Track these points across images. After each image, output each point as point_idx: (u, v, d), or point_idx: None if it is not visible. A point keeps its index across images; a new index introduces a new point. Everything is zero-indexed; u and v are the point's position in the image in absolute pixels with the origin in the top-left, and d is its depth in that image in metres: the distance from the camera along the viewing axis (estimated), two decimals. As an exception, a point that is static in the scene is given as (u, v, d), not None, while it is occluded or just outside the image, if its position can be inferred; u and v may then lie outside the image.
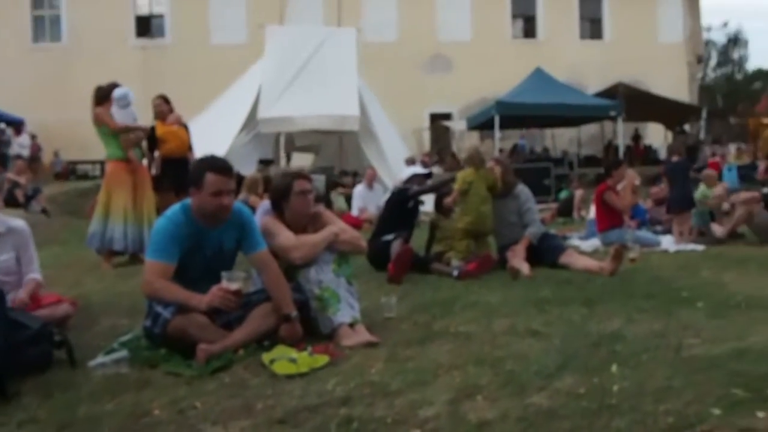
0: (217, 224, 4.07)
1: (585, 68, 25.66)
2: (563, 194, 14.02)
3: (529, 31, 27.82)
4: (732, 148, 22.20)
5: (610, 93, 20.18)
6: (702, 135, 23.65)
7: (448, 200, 7.04)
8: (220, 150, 12.96)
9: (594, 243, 8.46)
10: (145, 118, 8.71)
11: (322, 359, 3.68)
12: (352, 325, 4.17)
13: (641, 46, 26.86)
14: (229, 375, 3.60)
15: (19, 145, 20.88)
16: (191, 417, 3.07)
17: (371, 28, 23.93)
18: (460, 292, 5.57)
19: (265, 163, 14.24)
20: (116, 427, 2.99)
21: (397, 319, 4.71)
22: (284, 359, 3.65)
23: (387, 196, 8.38)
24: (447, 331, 4.35)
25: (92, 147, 9.96)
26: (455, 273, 6.26)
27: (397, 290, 5.73)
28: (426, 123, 25.61)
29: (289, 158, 17.96)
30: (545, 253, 6.80)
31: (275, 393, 3.30)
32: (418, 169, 7.66)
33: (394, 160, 14.07)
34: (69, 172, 23.44)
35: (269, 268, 4.12)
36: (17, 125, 21.87)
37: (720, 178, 14.69)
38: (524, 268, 6.27)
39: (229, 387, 3.43)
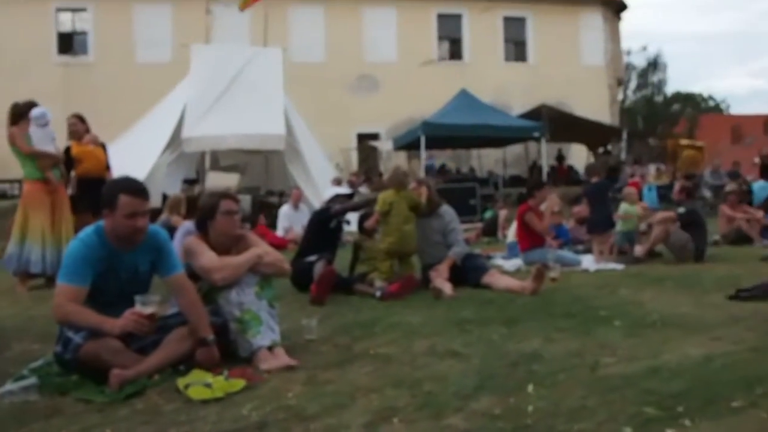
0: (131, 246, 3.97)
1: (510, 90, 26.16)
2: (488, 214, 14.20)
3: (455, 52, 28.22)
4: (652, 168, 22.91)
5: (534, 114, 20.61)
6: (623, 156, 24.32)
7: (368, 222, 7.04)
8: (143, 169, 12.75)
9: (516, 263, 8.57)
10: (65, 137, 8.50)
11: (239, 383, 3.61)
12: (271, 348, 4.10)
13: (564, 69, 27.53)
14: (142, 401, 3.50)
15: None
16: (101, 446, 2.98)
17: (298, 48, 23.93)
18: (382, 313, 5.56)
19: (189, 182, 14.04)
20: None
21: (318, 341, 4.67)
22: (199, 384, 3.57)
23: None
24: (367, 352, 4.33)
25: (11, 166, 9.64)
26: (378, 294, 6.26)
27: (319, 312, 5.70)
28: (353, 143, 25.66)
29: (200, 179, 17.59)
30: (468, 273, 6.84)
31: (189, 419, 3.23)
32: (340, 189, 7.65)
33: (321, 180, 14.06)
34: (-15, 191, 22.61)
35: (185, 292, 4.04)
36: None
37: (640, 197, 15.14)
38: (447, 288, 6.31)
39: (143, 413, 3.34)
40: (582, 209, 10.69)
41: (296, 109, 16.44)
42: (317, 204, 11.59)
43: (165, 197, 11.79)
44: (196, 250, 4.30)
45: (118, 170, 8.42)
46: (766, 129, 53.77)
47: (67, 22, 25.66)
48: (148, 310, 3.73)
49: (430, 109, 20.05)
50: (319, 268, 6.39)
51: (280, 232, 12.40)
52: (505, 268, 8.29)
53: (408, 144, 19.35)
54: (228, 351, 4.11)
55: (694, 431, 2.83)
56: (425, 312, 5.60)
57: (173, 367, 3.86)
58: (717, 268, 7.79)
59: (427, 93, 23.35)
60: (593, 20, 28.95)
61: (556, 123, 20.06)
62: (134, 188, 3.93)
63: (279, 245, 11.04)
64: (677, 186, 10.95)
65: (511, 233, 9.58)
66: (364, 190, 16.07)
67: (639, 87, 45.33)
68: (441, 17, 27.77)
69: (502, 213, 12.80)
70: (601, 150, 25.05)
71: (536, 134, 18.50)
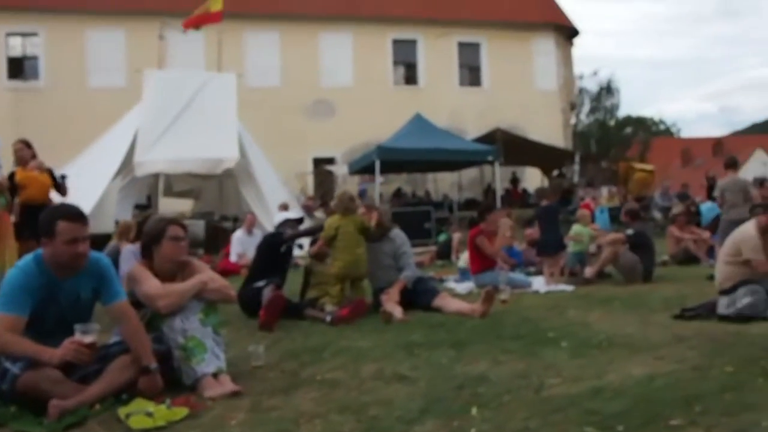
0: (73, 273, 3.90)
1: (464, 114, 26.43)
2: (442, 237, 14.25)
3: (410, 77, 28.44)
4: (604, 190, 23.20)
5: (488, 138, 20.80)
6: (576, 178, 24.62)
7: (312, 249, 7.03)
8: (94, 195, 12.58)
9: (469, 285, 8.61)
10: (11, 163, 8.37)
11: (181, 412, 3.56)
12: (216, 375, 4.05)
13: (518, 94, 27.90)
14: (82, 431, 3.43)
15: None
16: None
17: (254, 73, 23.93)
18: (331, 338, 5.53)
19: (141, 208, 13.88)
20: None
21: (265, 368, 4.62)
22: (141, 413, 3.51)
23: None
24: (314, 378, 4.30)
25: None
26: (328, 318, 6.22)
27: (267, 337, 5.66)
28: (310, 167, 25.64)
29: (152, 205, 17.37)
30: (419, 296, 6.85)
31: (129, 449, 3.18)
32: (290, 214, 7.61)
33: (275, 205, 13.98)
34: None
35: (128, 319, 3.98)
36: None
37: (593, 219, 15.35)
38: (397, 311, 6.30)
39: (82, 444, 3.28)
40: (534, 231, 10.81)
41: (252, 133, 16.41)
42: (271, 229, 11.55)
43: (117, 223, 11.64)
44: (139, 277, 4.24)
45: (70, 196, 8.31)
46: (714, 151, 55.08)
47: (17, 46, 25.34)
48: (88, 338, 3.66)
49: (386, 134, 20.13)
50: (268, 293, 6.34)
51: (233, 258, 12.29)
52: (457, 291, 8.32)
53: (363, 168, 19.38)
54: (172, 379, 4.04)
55: (632, 450, 2.86)
56: (375, 336, 5.59)
57: (115, 396, 3.79)
58: (664, 288, 7.93)
59: (382, 117, 23.47)
60: (546, 46, 29.43)
61: (510, 147, 20.27)
62: (72, 214, 3.87)
63: (232, 271, 10.97)
64: (624, 208, 11.20)
65: (464, 257, 9.63)
66: (320, 214, 16.06)
67: (592, 111, 45.92)
68: (396, 42, 28.00)
69: (456, 236, 12.86)
70: (555, 173, 25.35)
71: (490, 158, 18.66)
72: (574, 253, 9.28)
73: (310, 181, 25.18)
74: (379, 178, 18.27)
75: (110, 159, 14.24)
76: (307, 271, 7.26)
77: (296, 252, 8.23)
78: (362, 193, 21.04)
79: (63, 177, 8.84)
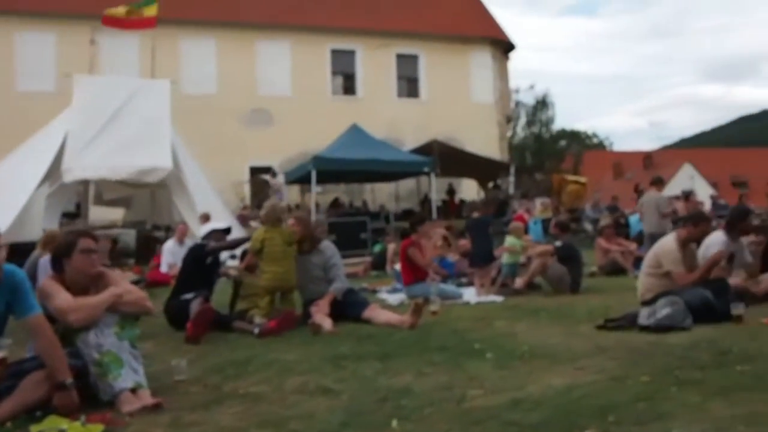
0: (-17, 287, 3.78)
1: (402, 125, 26.54)
2: (377, 248, 14.27)
3: (349, 88, 28.48)
4: (538, 202, 23.58)
5: (425, 150, 20.92)
6: (511, 190, 24.96)
7: (241, 265, 6.97)
8: (19, 202, 12.21)
9: (401, 296, 8.64)
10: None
11: (96, 428, 3.49)
12: (134, 391, 3.97)
13: (455, 106, 28.16)
14: (-9, 451, 3.35)
15: None
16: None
17: (190, 80, 23.61)
18: (258, 351, 5.49)
19: (69, 217, 13.54)
20: None
21: (188, 382, 4.55)
22: (53, 431, 3.42)
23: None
24: (237, 392, 4.26)
25: None
26: (256, 331, 6.17)
27: (193, 351, 5.58)
28: (246, 176, 25.41)
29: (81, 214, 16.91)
30: (349, 308, 6.85)
31: (38, 469, 3.09)
32: (216, 225, 7.52)
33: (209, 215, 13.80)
34: None
35: (42, 334, 3.86)
36: None
37: (526, 231, 15.57)
38: (326, 323, 6.29)
39: (-11, 464, 3.18)
40: (466, 243, 10.91)
41: (187, 141, 16.18)
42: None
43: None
44: (50, 291, 4.12)
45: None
46: (645, 165, 56.57)
47: (-58, 48, 24.49)
48: (-1, 354, 3.56)
49: (325, 143, 20.09)
50: (196, 305, 6.25)
51: (164, 268, 12.08)
52: (389, 302, 8.35)
53: (300, 178, 19.31)
54: (89, 395, 3.94)
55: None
56: (302, 348, 5.56)
57: (29, 413, 3.68)
58: (591, 299, 8.08)
59: (321, 127, 23.40)
60: (482, 59, 29.78)
61: (447, 158, 20.42)
62: (-15, 225, 3.76)
63: (162, 281, 10.79)
64: (553, 220, 11.39)
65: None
66: (256, 224, 15.90)
67: (528, 124, 46.95)
68: (335, 53, 27.98)
69: (391, 247, 12.88)
70: (491, 185, 25.65)
71: (426, 169, 18.79)
72: (507, 264, 9.39)
73: (246, 190, 24.94)
74: (316, 188, 18.20)
75: (37, 164, 13.83)
76: (237, 283, 7.19)
77: (230, 262, 8.15)
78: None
79: None
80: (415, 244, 8.52)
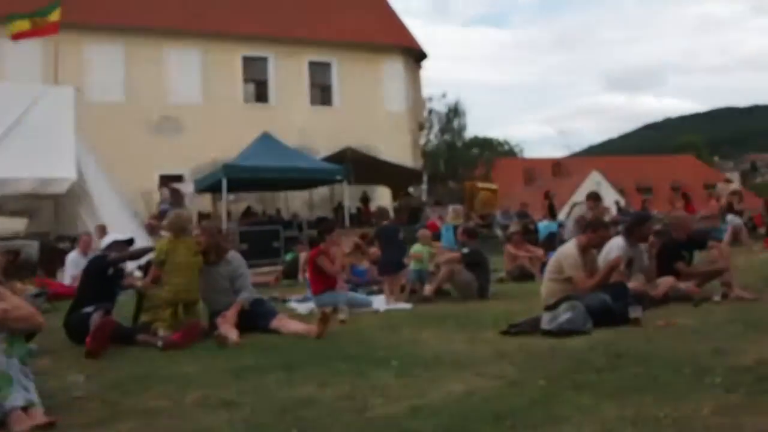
0: None
1: (316, 133, 26.46)
2: (288, 257, 14.17)
3: (261, 95, 28.25)
4: (450, 209, 23.88)
5: (338, 157, 20.95)
6: (424, 197, 25.24)
7: (146, 280, 6.83)
8: None
9: (310, 305, 8.60)
10: None
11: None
12: (26, 409, 3.82)
13: (368, 114, 28.28)
14: None
15: None
16: None
17: (96, 87, 23.00)
18: (160, 365, 5.38)
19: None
20: None
21: (85, 398, 4.43)
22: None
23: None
24: (135, 408, 4.16)
25: None
26: (160, 344, 6.04)
27: (93, 366, 5.42)
28: (156, 185, 24.85)
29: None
30: (257, 318, 6.79)
31: None
32: (118, 236, 7.33)
33: (115, 225, 13.43)
34: None
35: None
36: None
37: (439, 238, 15.75)
38: (232, 334, 6.22)
39: None
40: (377, 250, 10.96)
41: (93, 150, 15.72)
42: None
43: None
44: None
45: None
46: (554, 172, 58.06)
47: None
48: None
49: (237, 151, 19.80)
50: (96, 319, 6.07)
51: (67, 280, 11.70)
52: (299, 312, 8.31)
53: (210, 186, 19.03)
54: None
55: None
56: (206, 361, 5.48)
57: None
58: (498, 305, 8.23)
59: (232, 135, 23.07)
60: (395, 68, 30.02)
61: (361, 166, 20.49)
62: None
63: (65, 294, 10.44)
64: (460, 228, 11.57)
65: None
66: (166, 233, 15.56)
67: (441, 132, 47.52)
68: (246, 60, 27.70)
69: (303, 255, 12.81)
70: (406, 192, 25.87)
71: (339, 177, 18.81)
72: (414, 271, 9.49)
73: (155, 199, 24.40)
74: (228, 197, 17.97)
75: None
76: (140, 295, 7.01)
77: (138, 273, 7.96)
78: (163, 213, 20.09)
79: None
80: (323, 252, 8.51)
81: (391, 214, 24.87)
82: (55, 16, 16.37)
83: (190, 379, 4.83)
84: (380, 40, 29.77)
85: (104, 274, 6.71)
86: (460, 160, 47.20)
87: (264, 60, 28.10)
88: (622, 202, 30.60)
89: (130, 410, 4.12)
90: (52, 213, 16.28)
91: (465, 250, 9.18)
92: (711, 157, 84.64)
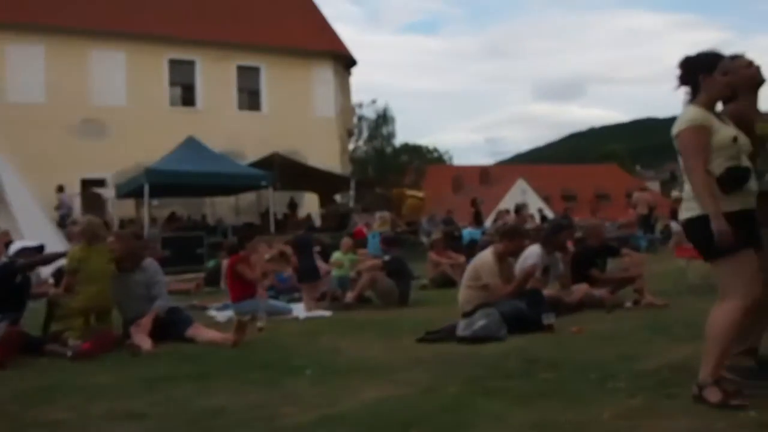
0: None
1: (244, 138, 26.17)
2: (211, 263, 13.95)
3: (188, 99, 27.84)
4: (377, 216, 23.97)
5: (266, 163, 20.79)
6: (352, 204, 25.26)
7: (59, 290, 6.65)
8: None
9: (230, 313, 8.50)
10: None
11: None
12: None
13: (297, 119, 28.14)
14: None
15: None
16: None
17: (15, 88, 22.36)
18: (69, 375, 5.24)
19: None
20: None
21: (-15, 412, 4.28)
22: None
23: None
24: (37, 421, 4.04)
25: None
26: (69, 354, 5.87)
27: (-2, 377, 5.24)
28: (77, 189, 24.22)
29: None
30: (172, 326, 6.67)
31: None
32: (27, 243, 7.12)
33: (32, 230, 13.03)
34: None
35: None
36: None
37: (365, 245, 15.79)
38: (146, 343, 6.10)
39: None
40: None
41: (11, 152, 15.25)
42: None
43: None
44: None
45: None
46: (481, 179, 58.91)
47: None
48: None
49: (162, 156, 19.49)
50: (2, 328, 5.87)
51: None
52: (217, 320, 8.22)
53: (133, 191, 18.65)
54: None
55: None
56: (117, 371, 5.36)
57: None
58: (417, 312, 8.31)
59: (158, 139, 22.61)
60: (324, 73, 30.00)
61: (288, 172, 20.40)
62: None
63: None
64: (381, 236, 11.76)
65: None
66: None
67: (370, 138, 47.74)
68: (173, 63, 27.26)
69: (226, 262, 12.66)
70: (333, 199, 25.85)
71: (264, 183, 18.67)
72: (335, 278, 9.51)
73: (77, 203, 23.77)
74: (152, 202, 17.65)
75: None
76: (51, 303, 6.81)
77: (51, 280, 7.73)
78: (63, 218, 19.62)
79: None
80: (243, 259, 8.45)
81: (319, 220, 24.91)
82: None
83: (98, 390, 4.71)
84: (310, 46, 29.71)
85: (11, 282, 6.49)
86: (389, 166, 47.49)
87: (191, 63, 27.73)
88: (546, 210, 31.27)
89: (30, 423, 4.00)
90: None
91: (386, 258, 9.24)
92: (633, 166, 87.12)
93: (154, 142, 22.49)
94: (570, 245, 8.87)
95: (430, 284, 11.59)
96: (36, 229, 13.15)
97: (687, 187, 3.79)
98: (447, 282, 11.52)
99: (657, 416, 3.58)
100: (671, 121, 3.97)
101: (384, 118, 47.38)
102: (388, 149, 48.72)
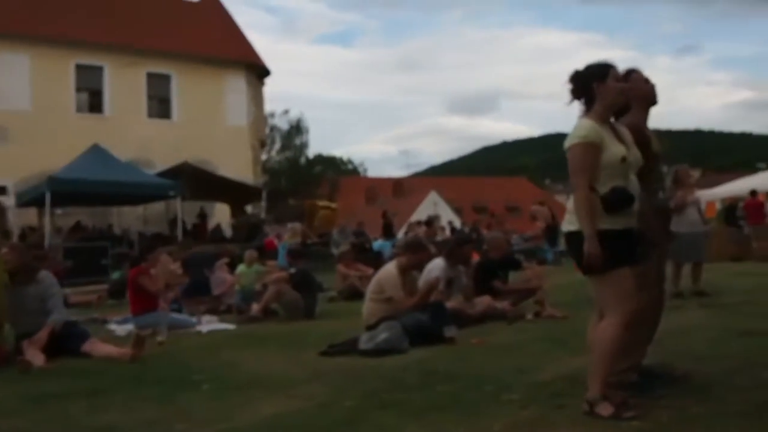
0: None
1: (153, 146, 25.67)
2: (116, 275, 13.59)
3: (95, 105, 27.11)
4: (288, 227, 23.85)
5: (175, 172, 20.44)
6: (263, 214, 25.09)
7: None
8: None
9: (129, 327, 8.31)
10: None
11: None
12: None
13: (208, 128, 27.78)
14: None
15: None
16: None
17: None
18: (-47, 393, 5.02)
19: None
20: None
21: None
22: None
23: None
24: None
25: None
26: (-45, 370, 5.64)
27: None
28: (-23, 196, 23.26)
29: None
30: (68, 341, 6.47)
31: None
32: None
33: None
34: None
35: None
36: None
37: (276, 256, 15.71)
38: (38, 359, 5.90)
39: None
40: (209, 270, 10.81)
41: None
42: None
43: None
44: None
45: None
46: (395, 191, 59.36)
47: None
48: None
49: (67, 163, 18.89)
50: None
51: None
52: (117, 333, 8.02)
53: (35, 200, 18.03)
54: None
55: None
56: (5, 388, 5.17)
57: None
58: (323, 325, 8.29)
59: (63, 146, 21.94)
60: (237, 83, 29.75)
61: (198, 181, 20.11)
62: None
63: None
64: (287, 248, 11.81)
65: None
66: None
67: (283, 148, 47.45)
68: (80, 68, 26.55)
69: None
70: (247, 209, 25.60)
71: (172, 193, 18.35)
72: (239, 291, 9.44)
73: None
74: (57, 211, 17.11)
75: None
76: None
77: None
78: None
79: None
80: (144, 271, 8.28)
81: (229, 231, 24.61)
82: None
83: (-17, 408, 4.54)
84: (223, 54, 29.44)
85: None
86: (303, 177, 47.29)
87: (99, 69, 27.09)
88: (457, 222, 31.75)
89: None
90: None
91: (292, 270, 9.22)
92: (543, 180, 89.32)
93: (59, 149, 21.81)
94: (475, 257, 9.03)
95: (339, 296, 11.60)
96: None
97: (572, 200, 3.85)
98: (355, 294, 11.51)
99: (546, 427, 3.68)
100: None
101: (297, 129, 47.18)
102: (302, 160, 48.49)
